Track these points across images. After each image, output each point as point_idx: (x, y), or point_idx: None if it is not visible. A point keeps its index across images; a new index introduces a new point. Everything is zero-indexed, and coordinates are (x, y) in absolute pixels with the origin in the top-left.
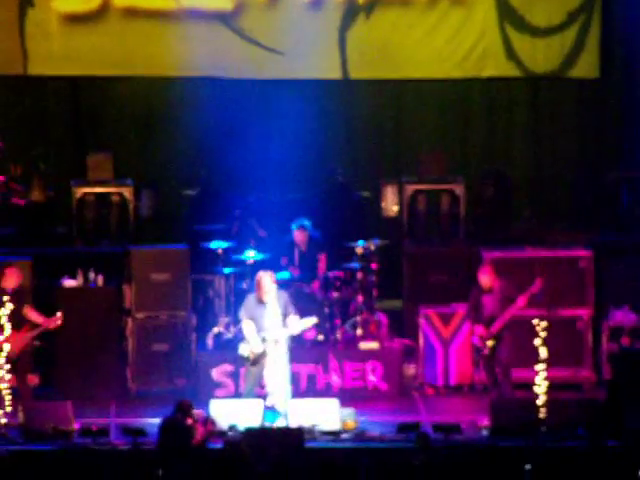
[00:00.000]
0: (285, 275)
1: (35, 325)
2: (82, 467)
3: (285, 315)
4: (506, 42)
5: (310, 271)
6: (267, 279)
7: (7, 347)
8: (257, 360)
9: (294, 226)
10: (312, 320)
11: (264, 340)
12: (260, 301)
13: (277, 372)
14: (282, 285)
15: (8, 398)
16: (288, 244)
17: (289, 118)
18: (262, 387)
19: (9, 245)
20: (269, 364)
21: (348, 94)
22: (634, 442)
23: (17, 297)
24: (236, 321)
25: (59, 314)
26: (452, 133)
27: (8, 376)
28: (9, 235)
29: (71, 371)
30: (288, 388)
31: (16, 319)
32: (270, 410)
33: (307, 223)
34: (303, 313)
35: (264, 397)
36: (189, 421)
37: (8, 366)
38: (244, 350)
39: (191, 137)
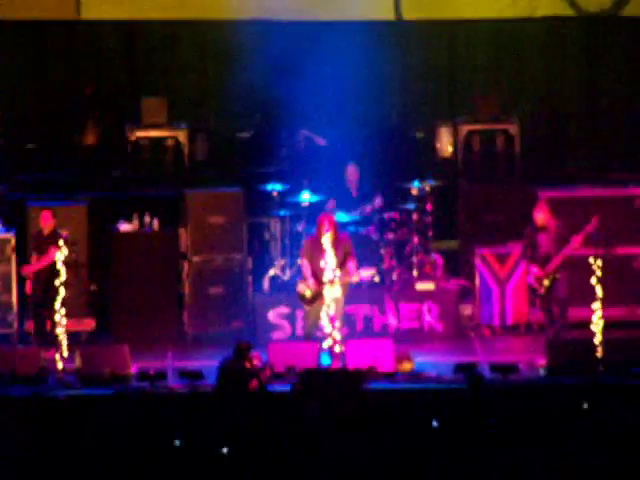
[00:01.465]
0: (341, 217)
1: None
2: (139, 411)
3: (344, 259)
4: None
5: (362, 212)
6: (326, 221)
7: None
8: (314, 299)
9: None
10: (371, 272)
11: (321, 281)
12: (319, 242)
13: (333, 314)
14: (341, 227)
15: (64, 343)
16: (340, 185)
17: (343, 60)
18: (320, 329)
19: (65, 190)
20: (325, 306)
21: (402, 35)
22: None
23: (52, 240)
24: (292, 263)
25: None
26: (505, 73)
27: (64, 320)
28: (64, 180)
29: (127, 315)
30: (341, 330)
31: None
32: (327, 352)
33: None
34: (359, 255)
35: (322, 339)
36: (247, 364)
37: (64, 310)
38: (302, 288)
39: (244, 80)
